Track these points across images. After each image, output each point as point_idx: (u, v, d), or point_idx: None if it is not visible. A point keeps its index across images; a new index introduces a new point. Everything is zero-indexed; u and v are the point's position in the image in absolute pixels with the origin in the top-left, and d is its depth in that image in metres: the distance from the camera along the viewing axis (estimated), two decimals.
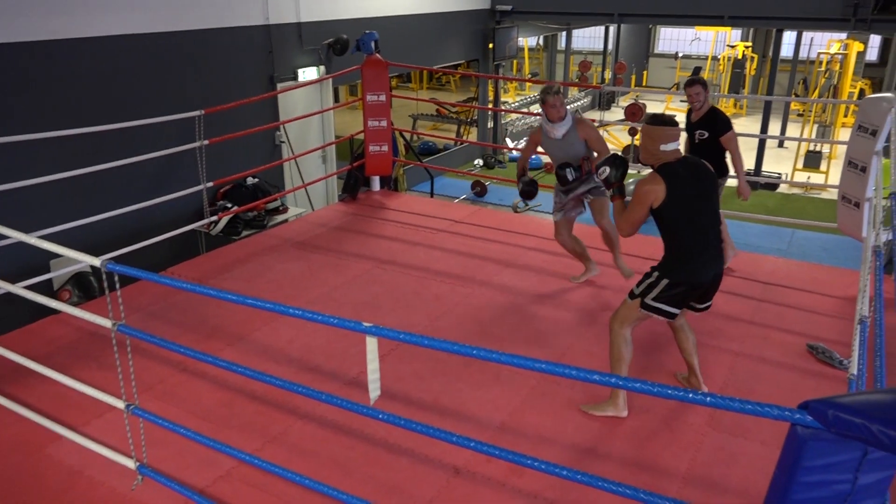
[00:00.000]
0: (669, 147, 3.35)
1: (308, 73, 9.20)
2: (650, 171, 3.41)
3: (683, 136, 3.88)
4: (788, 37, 17.00)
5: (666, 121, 3.39)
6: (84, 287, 6.18)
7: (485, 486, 3.18)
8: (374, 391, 2.32)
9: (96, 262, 2.74)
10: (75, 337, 4.46)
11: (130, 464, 3.11)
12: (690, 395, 1.74)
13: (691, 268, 3.40)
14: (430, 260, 5.68)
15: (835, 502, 1.56)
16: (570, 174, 4.76)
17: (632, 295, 3.52)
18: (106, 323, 2.84)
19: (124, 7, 6.76)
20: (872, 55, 20.32)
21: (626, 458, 3.35)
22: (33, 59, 5.95)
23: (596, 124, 4.83)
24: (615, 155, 3.74)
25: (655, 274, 3.44)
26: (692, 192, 3.36)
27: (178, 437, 3.06)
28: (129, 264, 2.75)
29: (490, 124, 15.16)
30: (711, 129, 5.03)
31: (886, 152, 4.42)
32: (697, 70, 21.94)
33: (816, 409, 1.47)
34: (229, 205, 7.42)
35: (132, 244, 5.12)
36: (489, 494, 3.14)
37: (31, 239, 3.00)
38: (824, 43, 18.37)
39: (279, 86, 8.68)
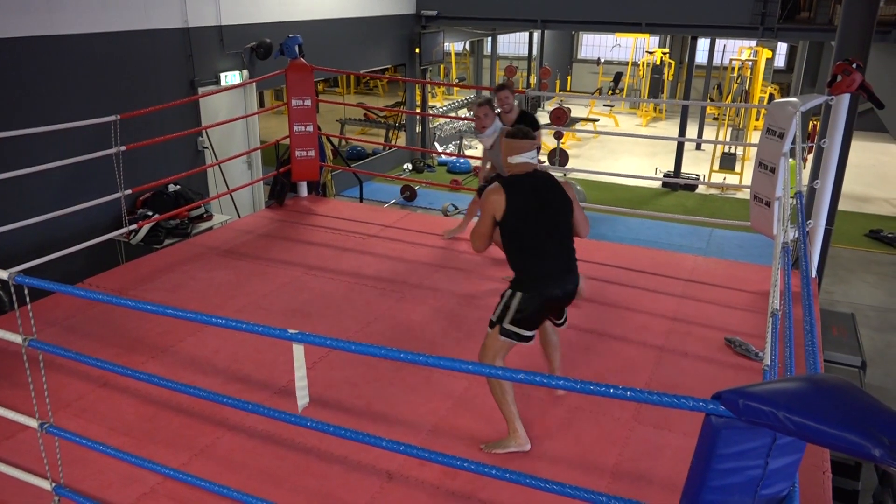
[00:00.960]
0: (517, 160, 3.31)
1: (231, 78, 9.01)
2: None
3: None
4: (703, 44, 17.77)
5: (517, 134, 3.35)
6: None
7: (418, 490, 3.18)
8: (302, 399, 2.29)
9: (4, 274, 2.60)
10: None
11: (46, 485, 2.96)
12: (612, 391, 1.79)
13: (541, 281, 3.30)
14: (360, 265, 5.64)
15: (748, 487, 1.63)
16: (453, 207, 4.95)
17: (491, 324, 3.37)
18: (16, 338, 2.70)
19: (32, 8, 6.45)
20: (780, 62, 21.46)
21: (557, 456, 3.42)
22: None
23: None
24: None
25: (508, 292, 3.32)
26: (534, 204, 3.27)
27: (99, 455, 2.94)
28: (43, 276, 2.63)
29: (418, 129, 15.20)
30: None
31: (793, 153, 4.65)
32: (618, 76, 22.63)
33: (728, 399, 1.53)
34: (150, 213, 7.19)
35: (45, 255, 4.89)
36: (423, 498, 3.14)
37: None
38: (736, 50, 19.26)
39: (201, 90, 8.46)
